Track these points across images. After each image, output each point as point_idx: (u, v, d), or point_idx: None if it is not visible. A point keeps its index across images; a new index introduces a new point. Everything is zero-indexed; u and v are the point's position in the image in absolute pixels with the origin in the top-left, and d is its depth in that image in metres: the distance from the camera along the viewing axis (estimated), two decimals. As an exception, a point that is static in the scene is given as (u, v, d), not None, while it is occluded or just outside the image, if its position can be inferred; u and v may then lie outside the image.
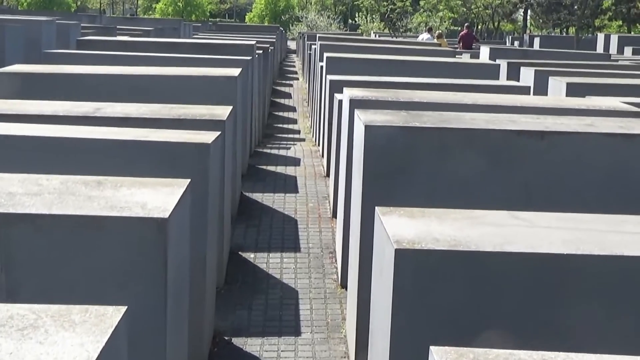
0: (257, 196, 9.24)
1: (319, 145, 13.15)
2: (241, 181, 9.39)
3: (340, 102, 8.40)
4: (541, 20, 56.75)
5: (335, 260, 7.31)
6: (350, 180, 6.58)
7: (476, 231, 3.84)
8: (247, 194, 9.31)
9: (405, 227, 3.85)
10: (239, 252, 7.46)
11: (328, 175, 10.05)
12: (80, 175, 4.25)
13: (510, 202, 5.19)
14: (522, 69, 12.87)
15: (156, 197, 3.83)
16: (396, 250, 3.50)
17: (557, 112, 6.57)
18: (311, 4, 78.21)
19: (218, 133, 5.77)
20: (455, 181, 5.18)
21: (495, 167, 5.19)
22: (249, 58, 10.53)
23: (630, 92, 9.74)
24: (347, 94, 7.11)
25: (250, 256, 7.40)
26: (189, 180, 4.23)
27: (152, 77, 8.43)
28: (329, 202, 9.00)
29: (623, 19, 51.45)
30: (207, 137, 5.46)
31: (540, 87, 11.17)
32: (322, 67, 12.93)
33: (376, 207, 4.27)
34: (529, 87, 10.09)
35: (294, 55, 42.09)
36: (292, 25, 62.70)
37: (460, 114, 5.87)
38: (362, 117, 5.40)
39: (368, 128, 5.15)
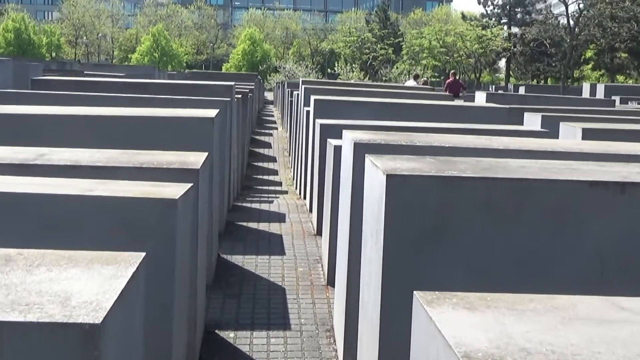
0: (237, 259, 7.87)
1: (304, 198, 11.83)
2: (218, 241, 8.02)
3: (336, 148, 7.10)
4: (520, 72, 56.32)
5: (334, 342, 5.93)
6: (355, 242, 5.26)
7: (576, 334, 2.50)
8: (225, 256, 7.94)
9: (467, 326, 2.51)
10: (216, 331, 6.07)
11: (319, 233, 8.71)
12: (-14, 247, 2.90)
13: (581, 276, 3.90)
14: (527, 114, 11.68)
15: (89, 285, 2.48)
16: (470, 372, 2.16)
17: (613, 158, 5.29)
18: (288, 54, 77.68)
19: (189, 185, 4.43)
20: (508, 249, 3.86)
21: (560, 230, 3.88)
22: (227, 99, 9.23)
23: (654, 139, 8.58)
24: (350, 137, 5.81)
25: (229, 335, 6.01)
26: (142, 254, 2.88)
27: (113, 119, 7.11)
28: (322, 266, 7.65)
29: (606, 69, 50.90)
30: (174, 190, 4.13)
31: (550, 133, 9.97)
32: (308, 111, 11.69)
33: (415, 293, 2.92)
34: (548, 131, 8.84)
35: (271, 106, 41.07)
36: (270, 76, 61.89)
37: (502, 161, 4.57)
38: (380, 165, 4.08)
39: (391, 179, 3.82)
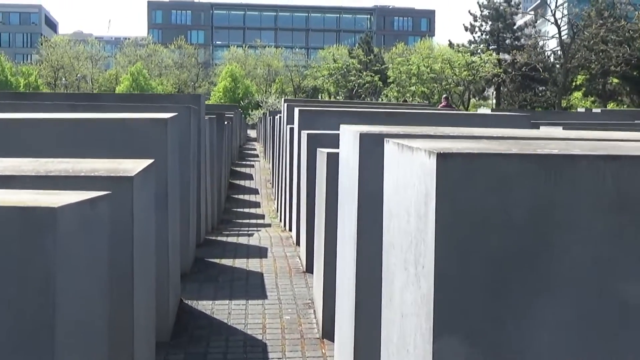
0: (205, 306, 6.11)
1: (290, 230, 10.09)
2: (180, 283, 6.27)
3: (330, 156, 5.42)
4: (507, 103, 55.02)
5: (337, 422, 4.18)
6: (366, 277, 3.58)
7: None
8: (189, 302, 6.19)
9: None
10: (170, 409, 4.32)
11: (309, 270, 6.97)
12: None
13: None
14: (543, 126, 10.07)
15: None
16: None
17: None
18: (270, 93, 76.21)
19: (98, 194, 2.72)
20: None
21: None
22: (191, 106, 7.50)
23: None
24: (352, 130, 4.12)
25: (188, 416, 4.25)
26: None
27: (41, 122, 5.42)
28: (315, 312, 5.90)
29: (597, 95, 49.47)
30: (61, 198, 2.40)
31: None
32: (292, 128, 10.00)
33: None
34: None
35: (254, 143, 39.42)
36: (252, 111, 60.44)
37: (610, 143, 2.88)
38: (420, 146, 2.38)
39: (447, 162, 2.11)
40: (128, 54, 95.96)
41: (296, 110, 9.42)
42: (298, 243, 8.39)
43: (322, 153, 5.82)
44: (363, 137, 3.75)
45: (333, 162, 5.23)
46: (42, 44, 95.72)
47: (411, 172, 2.41)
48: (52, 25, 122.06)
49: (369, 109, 10.86)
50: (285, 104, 12.45)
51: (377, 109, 10.28)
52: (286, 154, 11.15)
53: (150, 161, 4.21)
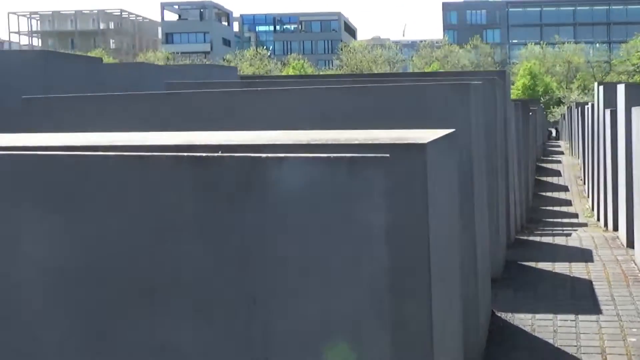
0: (523, 320, 4.91)
1: (615, 229, 8.58)
2: (491, 291, 5.11)
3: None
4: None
5: None
6: None
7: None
8: (502, 314, 5.01)
9: None
10: None
11: (652, 277, 5.56)
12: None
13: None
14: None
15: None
16: None
17: None
18: (572, 89, 72.89)
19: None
20: None
21: None
22: (495, 79, 6.31)
23: None
24: None
25: None
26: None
27: (320, 92, 4.58)
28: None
29: None
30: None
31: None
32: (613, 111, 8.50)
33: None
34: None
35: (557, 141, 37.43)
36: (553, 107, 57.91)
37: None
38: None
39: None
40: (424, 55, 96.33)
41: (620, 87, 7.94)
42: (631, 245, 6.92)
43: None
44: None
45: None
46: (341, 50, 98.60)
47: None
48: (351, 31, 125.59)
49: None
50: (601, 87, 10.91)
51: None
52: (605, 144, 9.64)
53: (449, 130, 3.13)
